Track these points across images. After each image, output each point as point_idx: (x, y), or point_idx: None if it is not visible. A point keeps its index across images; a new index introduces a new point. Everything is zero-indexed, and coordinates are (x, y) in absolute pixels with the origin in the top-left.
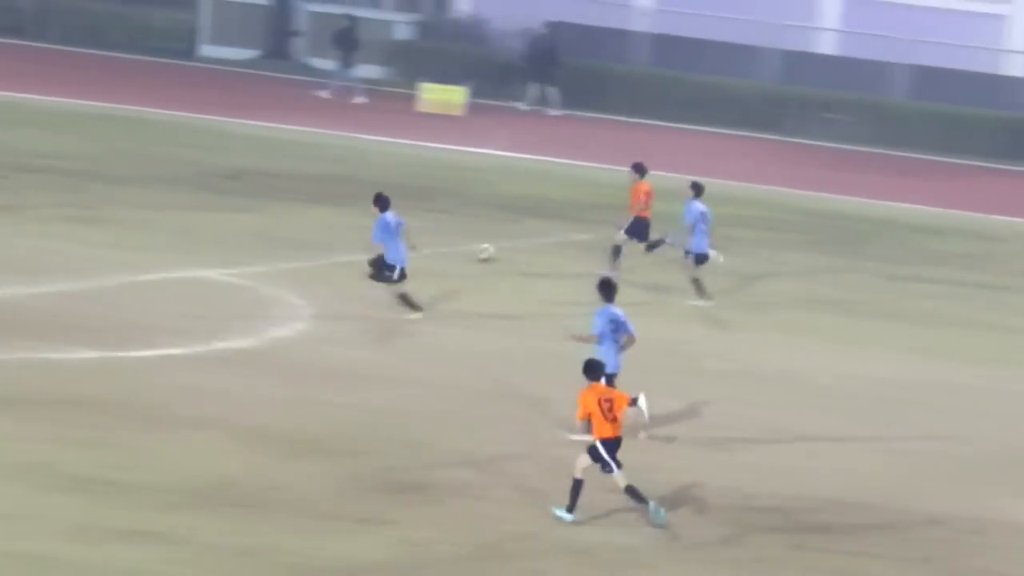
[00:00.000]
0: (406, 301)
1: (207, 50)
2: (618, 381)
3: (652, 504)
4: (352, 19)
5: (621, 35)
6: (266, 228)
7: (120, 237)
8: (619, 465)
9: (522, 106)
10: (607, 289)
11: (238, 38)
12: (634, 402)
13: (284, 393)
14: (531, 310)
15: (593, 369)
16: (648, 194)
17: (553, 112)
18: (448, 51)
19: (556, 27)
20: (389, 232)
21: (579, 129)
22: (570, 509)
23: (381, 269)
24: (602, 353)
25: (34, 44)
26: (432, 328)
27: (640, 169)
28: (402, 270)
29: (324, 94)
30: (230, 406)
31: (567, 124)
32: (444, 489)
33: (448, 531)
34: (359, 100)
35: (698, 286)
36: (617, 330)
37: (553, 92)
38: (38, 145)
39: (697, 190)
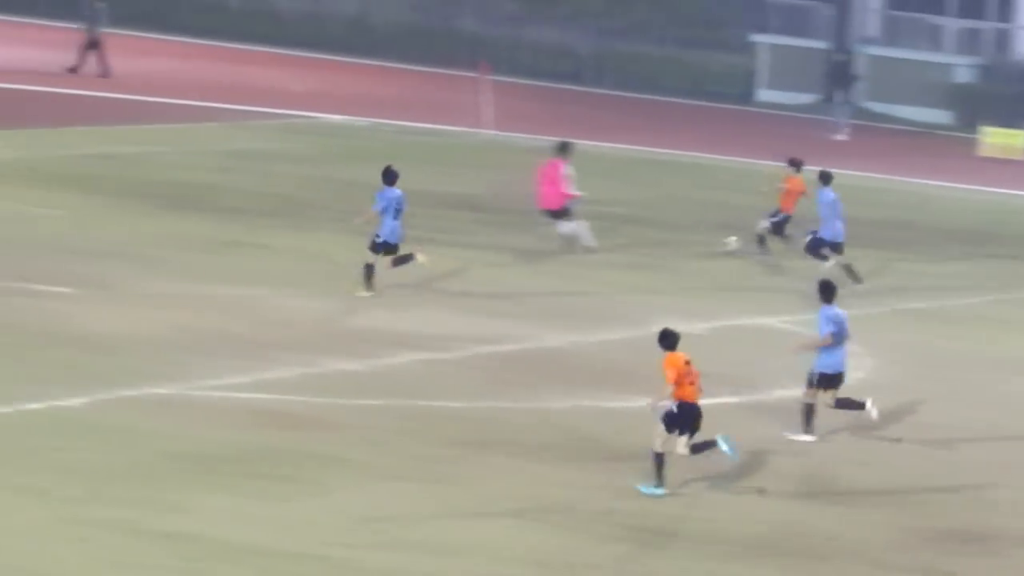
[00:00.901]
0: (368, 274)
1: (764, 94)
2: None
3: (719, 438)
4: (848, 53)
5: None
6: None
7: (675, 283)
8: (692, 434)
9: None
10: (828, 290)
11: (795, 82)
12: (861, 406)
13: (827, 444)
14: None
15: (668, 337)
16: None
17: None
18: (1010, 94)
19: None
20: (391, 206)
21: None
22: (658, 485)
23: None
24: (832, 354)
25: (591, 90)
26: (997, 376)
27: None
28: (386, 243)
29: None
30: (778, 456)
31: None
32: (1006, 540)
33: None
34: (840, 137)
35: (849, 271)
36: (842, 331)
37: None
38: (593, 191)
39: (826, 178)
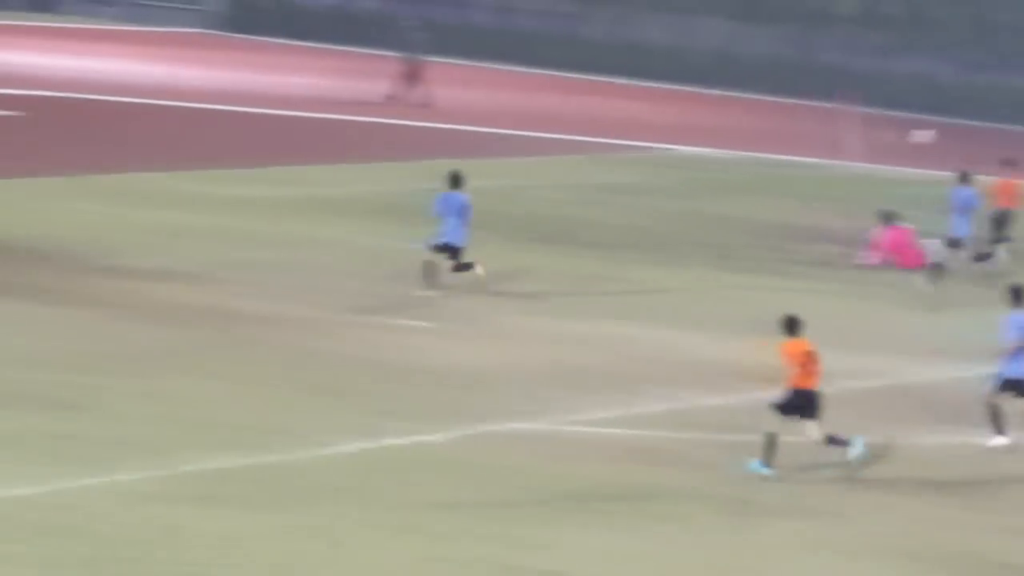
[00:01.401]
0: (429, 271)
1: None
2: None
3: (854, 438)
4: None
5: None
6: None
7: None
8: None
9: None
10: (1018, 295)
11: None
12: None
13: None
14: None
15: (791, 324)
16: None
17: None
18: None
19: None
20: (451, 210)
21: None
22: (765, 464)
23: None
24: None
25: (958, 121)
26: None
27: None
28: (447, 245)
29: None
30: None
31: None
32: None
33: None
34: None
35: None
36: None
37: None
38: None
39: (964, 178)
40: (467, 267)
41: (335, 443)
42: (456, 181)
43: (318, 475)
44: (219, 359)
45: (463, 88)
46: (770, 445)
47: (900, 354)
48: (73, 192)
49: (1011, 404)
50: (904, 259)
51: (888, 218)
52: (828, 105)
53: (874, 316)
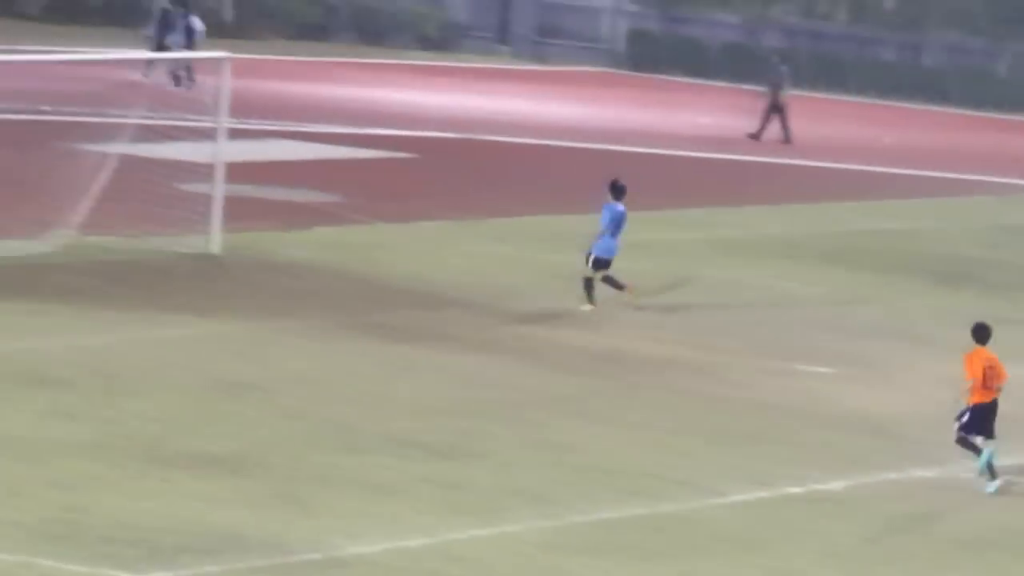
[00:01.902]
0: (587, 287)
1: None
2: None
3: (986, 451)
4: None
5: None
6: None
7: None
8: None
9: None
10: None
11: None
12: None
13: None
14: None
15: (979, 331)
16: None
17: None
18: None
19: None
20: (615, 223)
21: None
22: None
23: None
24: None
25: None
26: None
27: None
28: (598, 259)
29: None
30: None
31: None
32: None
33: None
34: None
35: None
36: None
37: None
38: None
39: None
40: (618, 286)
41: (731, 492)
42: (617, 191)
43: (713, 525)
44: (610, 404)
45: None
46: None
47: None
48: (467, 235)
49: None
50: None
51: None
52: None
53: None
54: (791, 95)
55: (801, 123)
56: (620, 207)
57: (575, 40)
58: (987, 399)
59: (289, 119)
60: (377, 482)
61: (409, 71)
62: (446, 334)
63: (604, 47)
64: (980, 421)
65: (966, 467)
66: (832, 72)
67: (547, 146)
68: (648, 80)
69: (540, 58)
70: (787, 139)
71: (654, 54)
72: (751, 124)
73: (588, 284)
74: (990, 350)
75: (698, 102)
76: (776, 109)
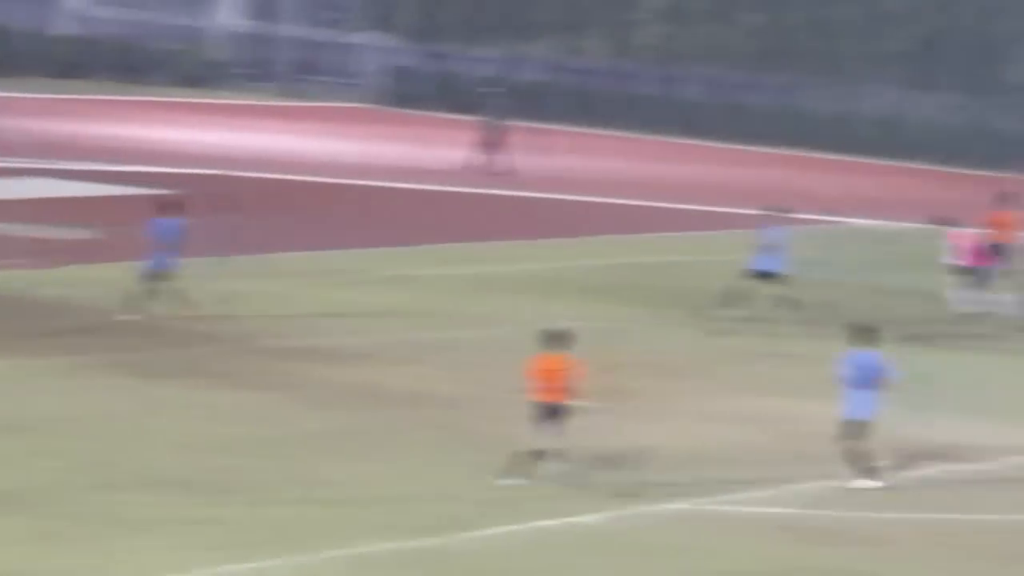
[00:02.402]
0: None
1: None
2: None
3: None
4: None
5: None
6: None
7: None
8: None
9: None
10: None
11: None
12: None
13: None
14: None
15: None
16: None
17: None
18: None
19: None
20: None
21: None
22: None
23: None
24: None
25: None
26: None
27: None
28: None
29: None
30: None
31: None
32: None
33: None
34: None
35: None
36: (867, 375)
37: None
38: None
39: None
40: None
41: (486, 526)
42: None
43: (469, 558)
44: (367, 439)
45: (635, 161)
46: (531, 458)
47: None
48: (227, 270)
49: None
50: None
51: None
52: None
53: None
54: (510, 127)
55: (558, 158)
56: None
57: (337, 76)
58: (550, 399)
59: (48, 157)
60: (133, 519)
61: (170, 108)
62: (205, 370)
63: (365, 83)
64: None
65: (720, 500)
66: (591, 106)
67: (309, 182)
68: (409, 116)
69: (302, 95)
70: (492, 169)
71: (416, 90)
72: (502, 160)
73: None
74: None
75: (460, 137)
76: (492, 140)
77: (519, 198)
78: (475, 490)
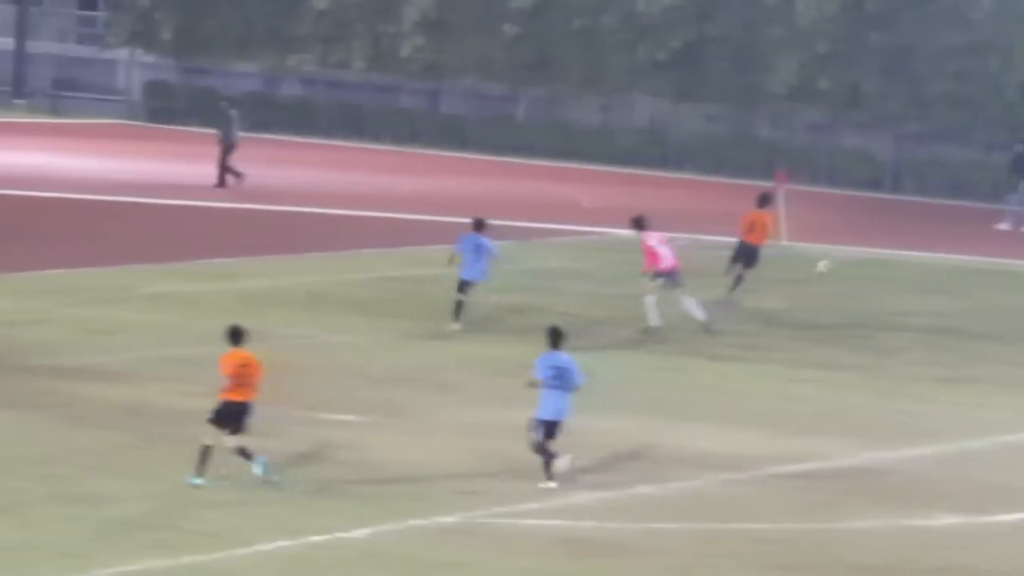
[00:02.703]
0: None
1: None
2: None
3: (259, 459)
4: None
5: None
6: None
7: (984, 397)
8: (236, 431)
9: None
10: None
11: None
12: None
13: None
14: None
15: (234, 334)
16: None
17: None
18: None
19: None
20: None
21: None
22: (198, 475)
23: None
24: (545, 398)
25: (891, 197)
26: None
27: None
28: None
29: (1003, 226)
30: None
31: None
32: None
33: None
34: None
35: None
36: (559, 376)
37: None
38: (897, 303)
39: None
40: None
41: (255, 542)
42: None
43: (244, 575)
44: (133, 457)
45: (399, 174)
46: (203, 456)
47: (843, 435)
48: None
49: None
50: None
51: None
52: (762, 184)
53: (813, 396)
54: (242, 139)
55: (322, 172)
56: None
57: (93, 93)
58: (244, 397)
59: None
60: None
61: None
62: None
63: (122, 99)
64: (232, 415)
65: (489, 512)
66: (351, 120)
67: (66, 199)
68: (166, 132)
69: (57, 111)
70: (222, 183)
71: (172, 106)
72: (232, 173)
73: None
74: (247, 350)
75: (218, 153)
76: (226, 153)
77: (281, 212)
78: (244, 506)
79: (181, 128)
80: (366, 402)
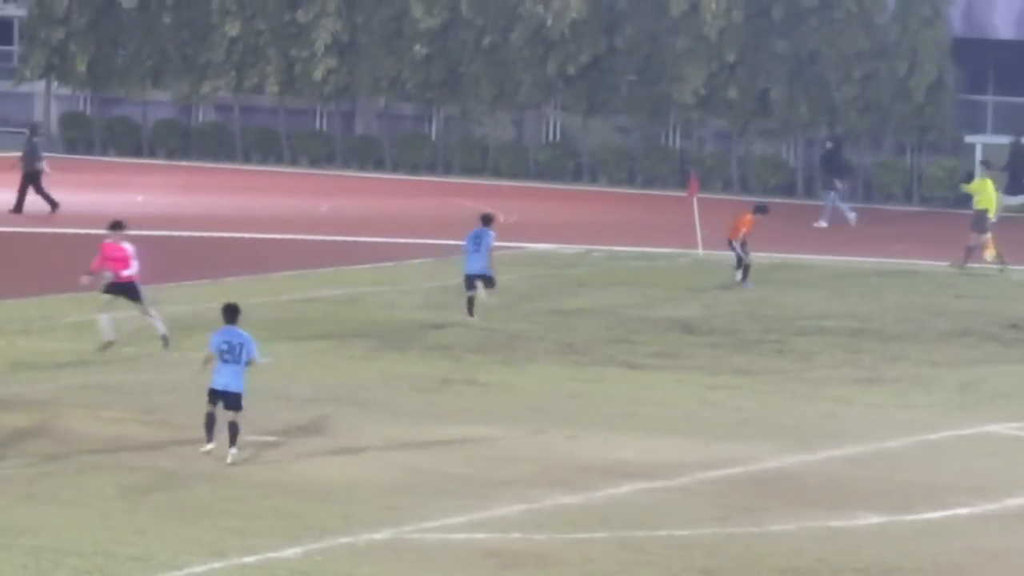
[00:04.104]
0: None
1: None
2: None
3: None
4: (837, 141)
5: None
6: None
7: (900, 396)
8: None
9: None
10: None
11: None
12: None
13: None
14: None
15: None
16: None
17: None
18: None
19: None
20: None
21: None
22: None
23: None
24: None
25: (803, 202)
26: None
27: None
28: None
29: (821, 224)
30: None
31: None
32: None
33: None
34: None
35: None
36: (232, 350)
37: None
38: (812, 306)
39: None
40: None
41: (187, 565)
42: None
43: None
44: (59, 484)
45: (316, 198)
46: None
47: (762, 440)
48: None
49: None
50: None
51: None
52: (673, 194)
53: (731, 402)
54: (46, 163)
55: (239, 197)
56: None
57: (8, 127)
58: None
59: None
60: None
61: None
62: None
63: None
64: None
65: (417, 528)
66: (267, 144)
67: None
68: (82, 163)
69: None
70: (19, 209)
71: (88, 136)
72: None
73: None
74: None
75: (135, 182)
76: (29, 179)
77: (199, 239)
78: (173, 530)
79: (98, 159)
80: (289, 423)
